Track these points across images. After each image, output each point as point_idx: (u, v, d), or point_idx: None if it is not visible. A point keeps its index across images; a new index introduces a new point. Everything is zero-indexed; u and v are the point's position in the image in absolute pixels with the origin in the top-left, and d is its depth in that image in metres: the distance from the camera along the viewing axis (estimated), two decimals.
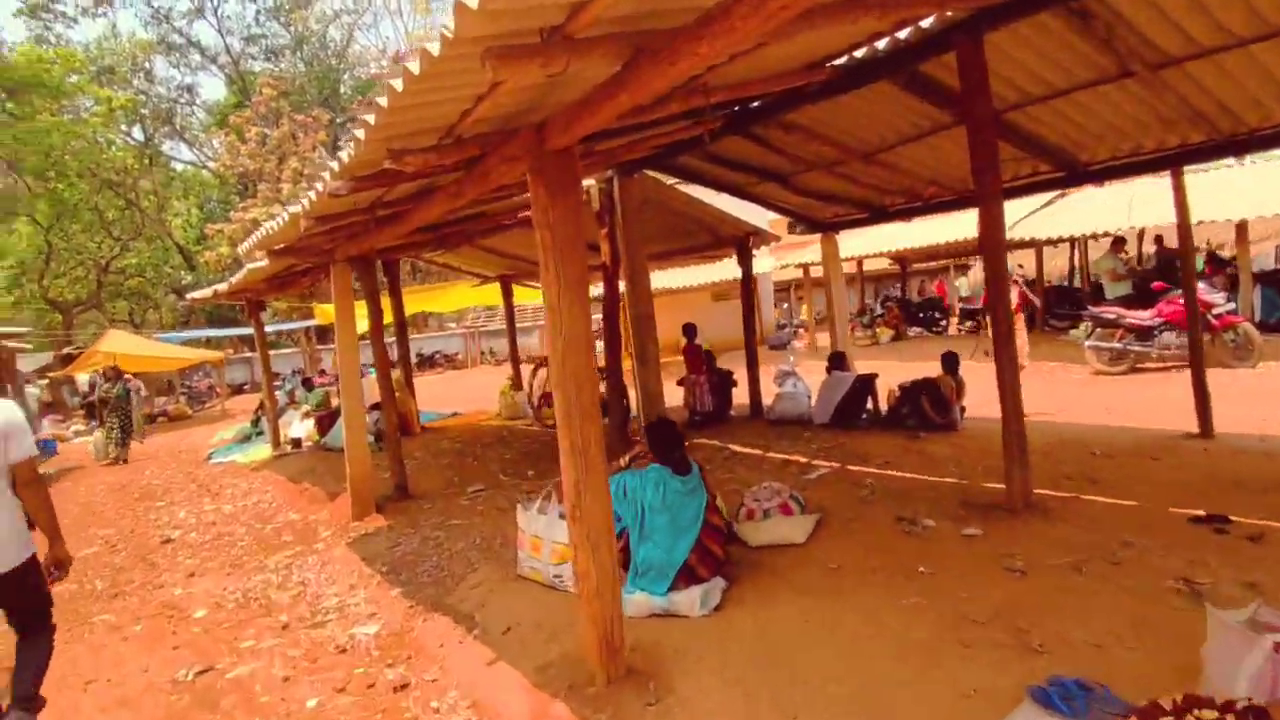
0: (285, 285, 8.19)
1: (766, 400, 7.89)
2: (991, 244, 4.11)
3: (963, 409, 6.53)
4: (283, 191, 26.45)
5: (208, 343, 26.79)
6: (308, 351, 26.76)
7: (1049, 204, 12.16)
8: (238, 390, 26.86)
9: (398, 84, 2.09)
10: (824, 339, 19.42)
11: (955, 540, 3.73)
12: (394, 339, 9.69)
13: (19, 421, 2.82)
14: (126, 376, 12.11)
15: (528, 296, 12.57)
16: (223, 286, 8.50)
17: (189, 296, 9.07)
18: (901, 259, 17.48)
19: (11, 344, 16.23)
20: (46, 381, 20.58)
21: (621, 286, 7.36)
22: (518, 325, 12.48)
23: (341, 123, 31.50)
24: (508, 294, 11.26)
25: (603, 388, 7.88)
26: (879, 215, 7.44)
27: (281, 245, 4.99)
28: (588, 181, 7.24)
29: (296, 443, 9.53)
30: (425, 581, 4.32)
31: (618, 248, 7.30)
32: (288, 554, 5.33)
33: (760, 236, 8.11)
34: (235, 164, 27.32)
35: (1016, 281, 11.10)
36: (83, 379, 17.66)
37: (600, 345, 7.87)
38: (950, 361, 6.54)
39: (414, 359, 28.48)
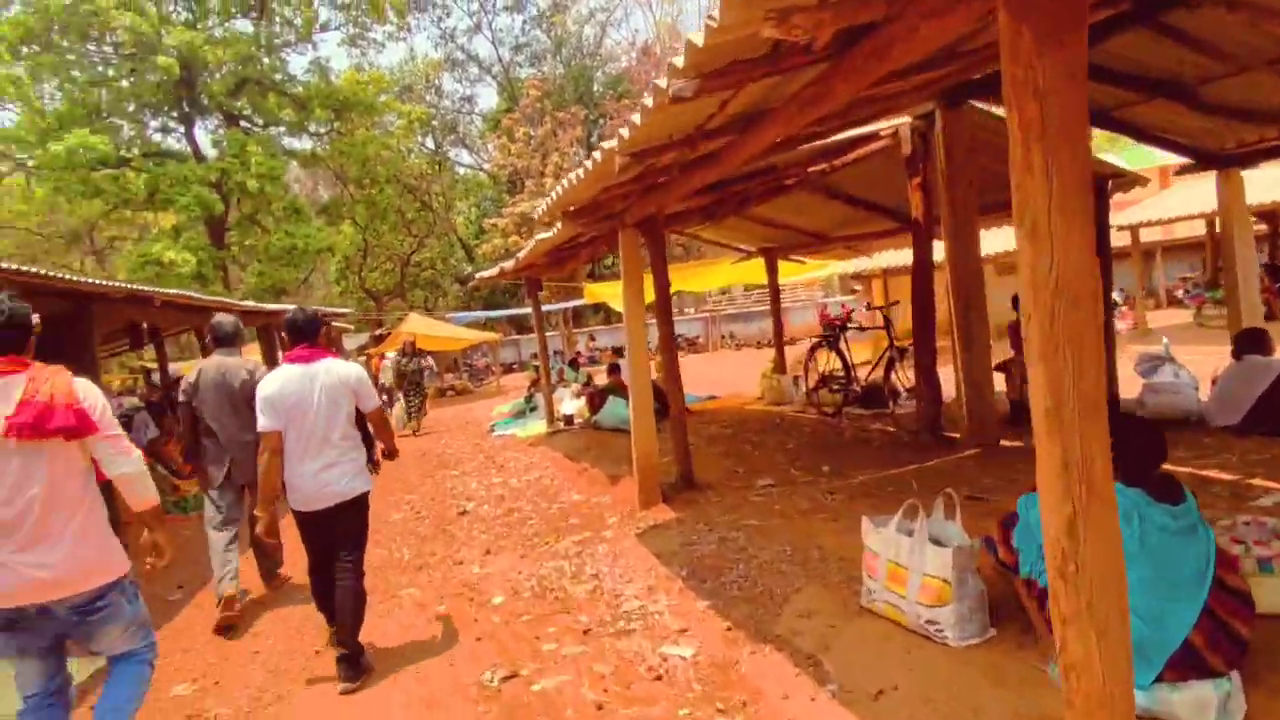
0: (563, 260, 8.09)
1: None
2: None
3: None
4: (545, 185, 28.30)
5: (484, 325, 29.80)
6: (565, 334, 28.44)
7: None
8: (507, 369, 29.36)
9: None
10: (1159, 318, 15.65)
11: None
12: (652, 320, 9.35)
13: (365, 377, 3.49)
14: (423, 354, 13.43)
15: (791, 272, 11.54)
16: (508, 264, 8.63)
17: (477, 276, 9.44)
18: (1275, 213, 13.35)
19: (339, 324, 19.06)
20: (364, 358, 24.22)
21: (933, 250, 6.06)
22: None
23: (594, 119, 32.98)
24: (772, 269, 10.33)
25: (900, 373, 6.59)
26: None
27: (575, 206, 4.54)
28: (895, 122, 6.01)
29: (568, 420, 9.58)
30: (736, 596, 3.57)
31: (932, 200, 5.99)
32: (576, 539, 4.95)
33: (1125, 180, 6.19)
34: (506, 163, 29.78)
35: None
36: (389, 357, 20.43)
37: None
38: None
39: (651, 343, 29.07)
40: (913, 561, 2.86)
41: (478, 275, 9.72)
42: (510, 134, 29.48)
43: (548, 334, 33.89)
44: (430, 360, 16.39)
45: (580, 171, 3.65)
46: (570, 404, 10.17)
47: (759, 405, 9.82)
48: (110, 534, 2.39)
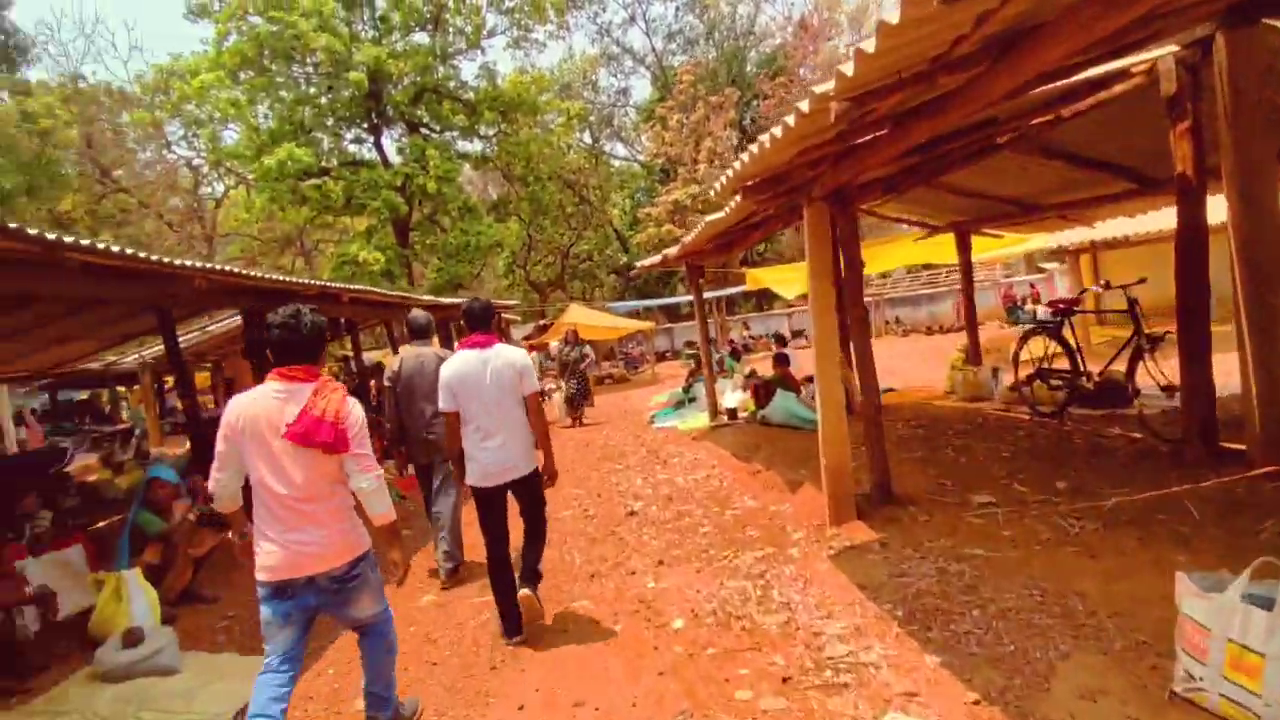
0: (731, 244, 7.52)
1: None
2: None
3: None
4: (699, 171, 27.77)
5: (638, 314, 29.98)
6: (718, 321, 27.86)
7: None
8: (660, 357, 29.33)
9: None
10: None
11: None
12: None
13: (529, 364, 3.62)
14: (583, 343, 13.46)
15: (985, 248, 10.13)
16: (671, 250, 8.22)
17: (638, 265, 9.07)
18: None
19: (508, 315, 19.84)
20: (528, 348, 25.22)
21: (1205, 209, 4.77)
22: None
23: (747, 101, 31.91)
24: (964, 246, 9.06)
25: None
26: None
27: (757, 178, 3.94)
28: (1148, 55, 4.78)
29: (732, 413, 9.02)
30: (977, 654, 2.83)
31: (1203, 150, 4.72)
32: (757, 555, 4.39)
33: None
34: (659, 151, 29.60)
35: None
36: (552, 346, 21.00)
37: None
38: None
39: (805, 331, 27.58)
40: (1275, 648, 2.00)
41: (638, 264, 9.39)
42: (663, 122, 29.23)
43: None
44: (589, 349, 16.53)
45: (776, 131, 3.04)
46: (732, 396, 9.60)
47: (949, 401, 8.66)
48: (356, 518, 2.69)
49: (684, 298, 30.90)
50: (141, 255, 4.22)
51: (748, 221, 5.95)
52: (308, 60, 22.31)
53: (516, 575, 3.67)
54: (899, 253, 10.51)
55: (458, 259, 23.72)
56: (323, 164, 23.09)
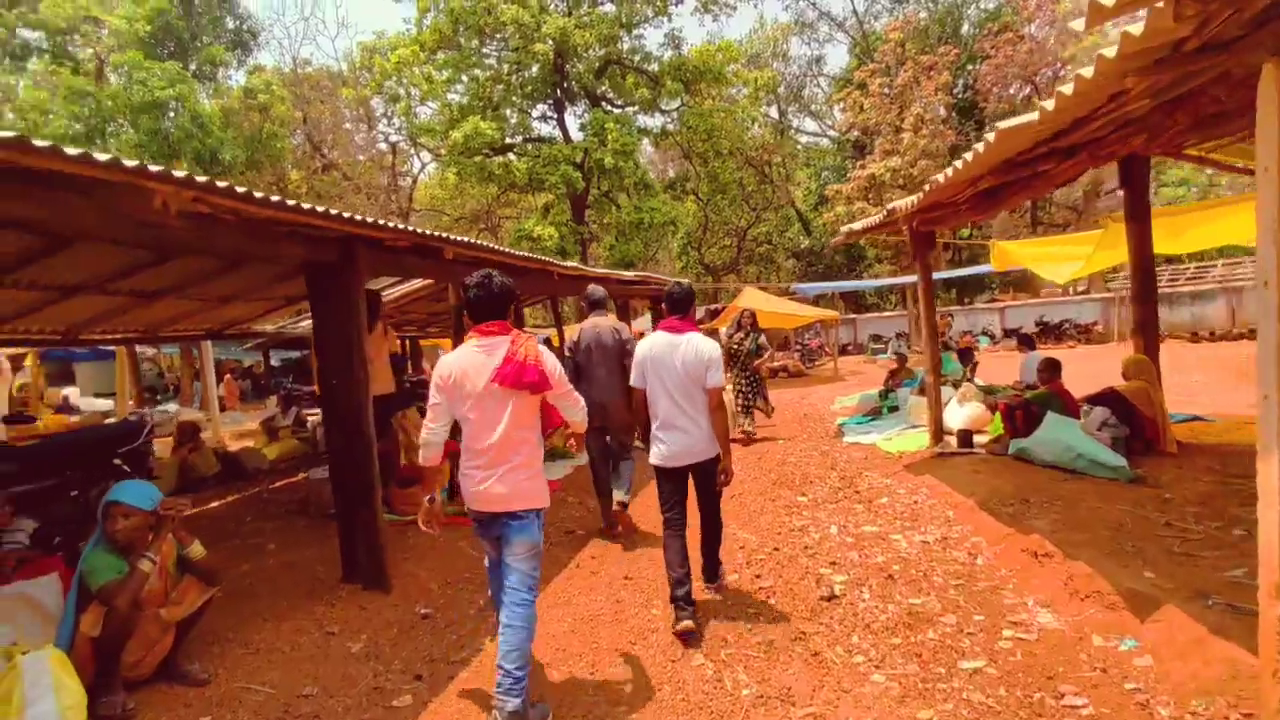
0: (1001, 196, 4.97)
1: None
2: None
3: None
4: (903, 141, 24.17)
5: (817, 300, 27.08)
6: (912, 314, 24.14)
7: None
8: (842, 350, 26.20)
9: None
10: None
11: None
12: (1129, 277, 5.52)
13: (718, 357, 3.54)
14: (760, 331, 11.28)
15: None
16: (904, 202, 5.80)
17: (843, 230, 6.82)
18: None
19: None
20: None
21: None
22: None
23: (964, 64, 27.38)
24: None
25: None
26: None
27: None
28: None
29: (964, 437, 6.47)
30: None
31: None
32: None
33: None
34: (857, 120, 26.26)
35: None
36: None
37: None
38: None
39: (1034, 326, 22.95)
40: None
41: (846, 229, 7.09)
42: (863, 88, 25.82)
43: (888, 314, 29.98)
44: (764, 339, 14.31)
45: None
46: (958, 413, 7.02)
47: None
48: (542, 474, 2.89)
49: (875, 282, 27.34)
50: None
51: (1068, 137, 3.51)
52: (498, 35, 22.01)
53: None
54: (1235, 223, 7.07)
55: (630, 237, 22.45)
56: (507, 139, 22.86)
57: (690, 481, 3.63)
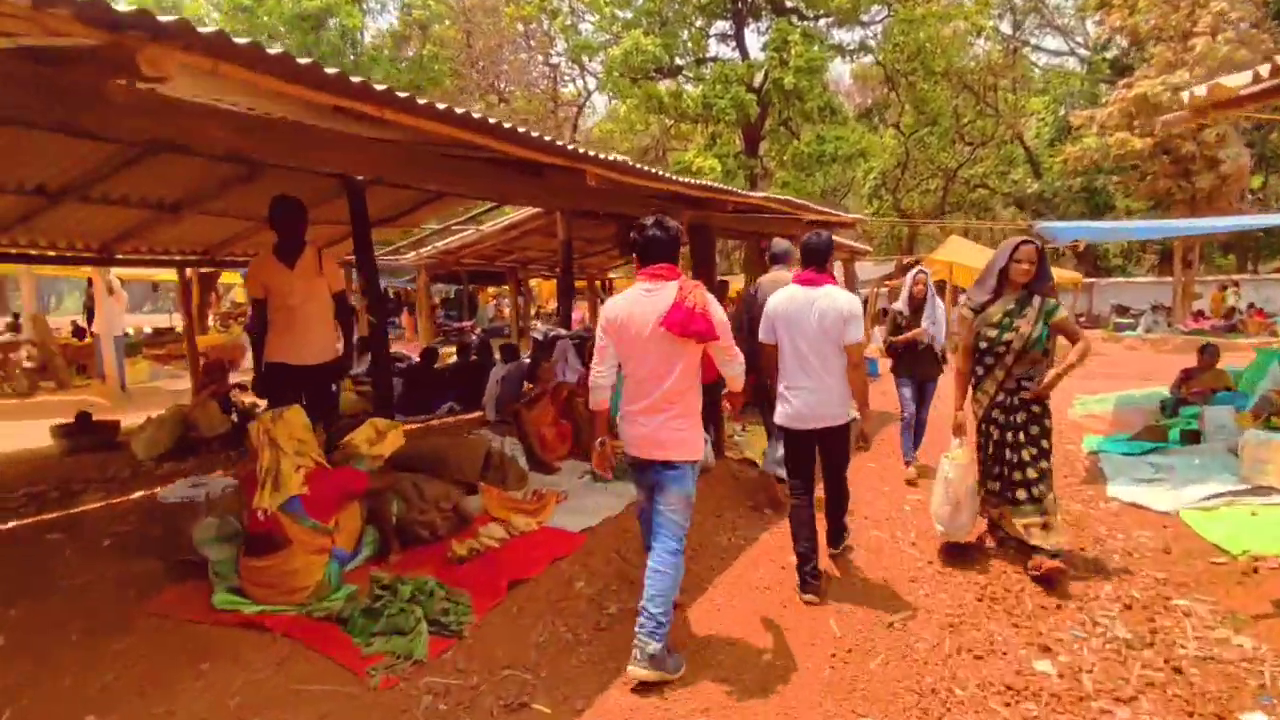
0: None
1: None
2: None
3: None
4: (1194, 49, 17.95)
5: (1057, 257, 21.71)
6: (1181, 282, 18.23)
7: None
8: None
9: None
10: None
11: None
12: None
13: (858, 312, 3.35)
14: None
15: None
16: (1241, 77, 2.70)
17: (1162, 120, 3.50)
18: None
19: (857, 247, 14.72)
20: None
21: None
22: None
23: None
24: None
25: None
26: None
27: None
28: None
29: None
30: None
31: None
32: None
33: None
34: (1125, 24, 20.03)
35: None
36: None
37: None
38: None
39: None
40: None
41: (1163, 119, 3.85)
42: None
43: (1138, 279, 23.59)
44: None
45: None
46: None
47: None
48: (700, 424, 2.84)
49: (1251, 219, 20.58)
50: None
51: None
52: None
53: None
54: None
55: (809, 172, 19.00)
56: (675, 60, 20.19)
57: (817, 447, 3.47)
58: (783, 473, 3.91)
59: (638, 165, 4.27)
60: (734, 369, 2.81)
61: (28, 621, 2.75)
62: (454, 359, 9.63)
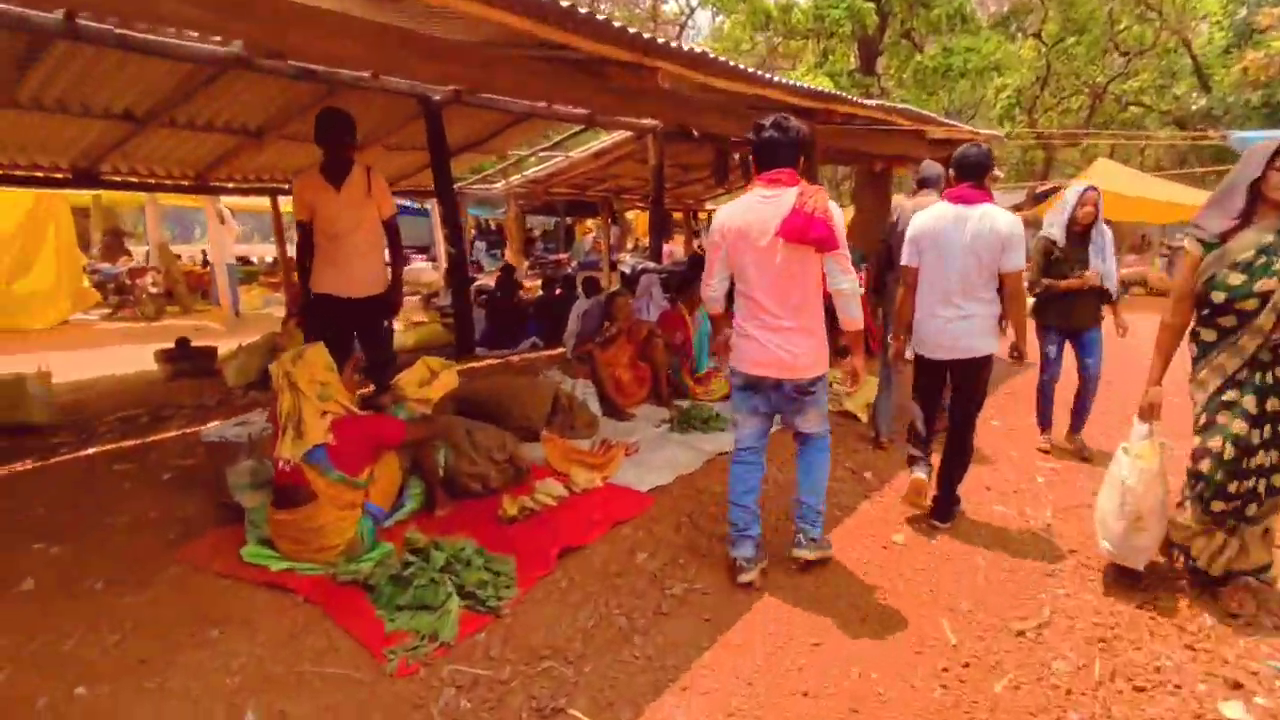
0: None
1: None
2: None
3: None
4: None
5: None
6: None
7: None
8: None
9: None
10: None
11: None
12: None
13: (1020, 235, 2.98)
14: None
15: None
16: None
17: None
18: None
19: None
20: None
21: None
22: None
23: None
24: None
25: None
26: None
27: None
28: None
29: None
30: None
31: None
32: None
33: None
34: None
35: None
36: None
37: None
38: None
39: None
40: None
41: None
42: None
43: None
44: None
45: None
46: None
47: None
48: (824, 337, 2.65)
49: None
50: None
51: None
52: None
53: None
54: None
55: (930, 89, 17.00)
56: None
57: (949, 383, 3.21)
58: (887, 430, 3.78)
59: (722, 59, 3.56)
60: (844, 283, 2.54)
61: (60, 563, 2.65)
62: (540, 292, 9.37)
